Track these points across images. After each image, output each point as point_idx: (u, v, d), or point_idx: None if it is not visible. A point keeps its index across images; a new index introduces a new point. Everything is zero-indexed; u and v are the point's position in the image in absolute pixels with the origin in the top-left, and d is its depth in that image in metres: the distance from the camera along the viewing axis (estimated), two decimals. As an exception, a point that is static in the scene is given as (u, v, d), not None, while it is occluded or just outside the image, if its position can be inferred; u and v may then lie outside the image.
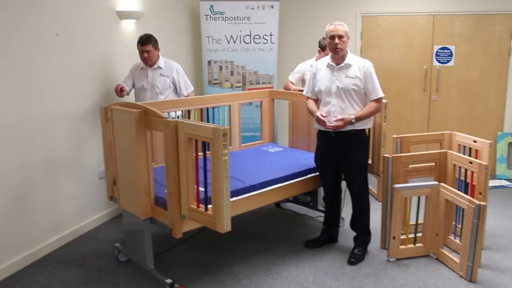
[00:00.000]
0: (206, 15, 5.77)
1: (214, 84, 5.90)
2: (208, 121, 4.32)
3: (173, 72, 4.48)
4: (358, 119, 3.54)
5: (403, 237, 3.84)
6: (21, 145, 3.62)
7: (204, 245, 4.07)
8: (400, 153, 4.08)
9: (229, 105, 4.45)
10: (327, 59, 3.69)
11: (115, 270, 3.67)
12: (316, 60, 4.62)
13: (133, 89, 4.59)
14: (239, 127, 4.58)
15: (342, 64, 3.59)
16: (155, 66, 4.44)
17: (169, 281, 3.26)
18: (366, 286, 3.40)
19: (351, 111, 3.57)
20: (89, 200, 4.39)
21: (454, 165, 3.86)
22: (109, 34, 4.53)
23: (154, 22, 5.20)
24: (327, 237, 4.08)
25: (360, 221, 3.88)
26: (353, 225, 3.96)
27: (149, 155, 3.17)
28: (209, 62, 5.87)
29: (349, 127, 3.56)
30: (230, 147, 4.42)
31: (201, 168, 3.02)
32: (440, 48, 5.90)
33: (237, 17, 5.82)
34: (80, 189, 4.27)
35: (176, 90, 4.54)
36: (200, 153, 3.04)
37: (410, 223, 3.86)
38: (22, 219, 3.69)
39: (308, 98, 3.86)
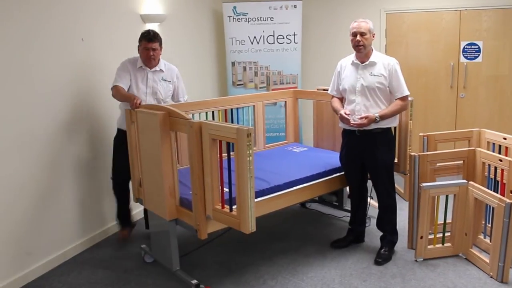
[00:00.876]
0: (229, 17, 5.78)
1: (238, 85, 5.91)
2: (232, 122, 4.32)
3: (174, 77, 4.02)
4: (383, 117, 3.49)
5: (431, 236, 3.78)
6: (48, 147, 3.69)
7: (229, 245, 4.07)
8: (427, 151, 4.02)
9: (253, 106, 4.45)
10: (352, 57, 3.66)
11: (141, 271, 3.70)
12: None
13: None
14: (263, 128, 4.58)
15: (366, 62, 3.55)
16: (157, 68, 3.92)
17: (194, 282, 3.27)
18: (393, 286, 3.35)
19: (376, 109, 3.52)
20: (114, 202, 4.43)
21: (483, 163, 3.77)
22: (133, 37, 4.55)
23: (177, 24, 5.24)
24: (353, 237, 4.04)
25: (387, 221, 3.82)
26: (379, 224, 3.90)
27: (173, 156, 3.19)
28: (233, 63, 5.88)
29: (374, 126, 3.52)
30: (254, 148, 4.46)
31: (225, 169, 3.02)
32: (467, 44, 5.78)
33: (260, 17, 5.81)
34: (105, 192, 4.32)
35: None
36: (225, 154, 3.04)
37: (438, 223, 3.79)
38: (51, 221, 3.75)
39: (333, 97, 3.83)
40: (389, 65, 3.52)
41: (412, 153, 3.81)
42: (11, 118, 3.37)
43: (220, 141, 2.94)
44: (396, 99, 3.55)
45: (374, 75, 3.52)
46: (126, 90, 3.79)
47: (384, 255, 3.75)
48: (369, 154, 3.65)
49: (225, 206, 2.98)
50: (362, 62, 3.57)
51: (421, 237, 3.68)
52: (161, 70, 3.94)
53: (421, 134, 4.07)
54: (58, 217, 3.83)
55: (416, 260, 3.71)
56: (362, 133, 3.58)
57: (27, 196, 3.54)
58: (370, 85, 3.52)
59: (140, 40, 3.84)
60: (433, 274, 3.49)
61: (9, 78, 3.34)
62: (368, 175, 3.86)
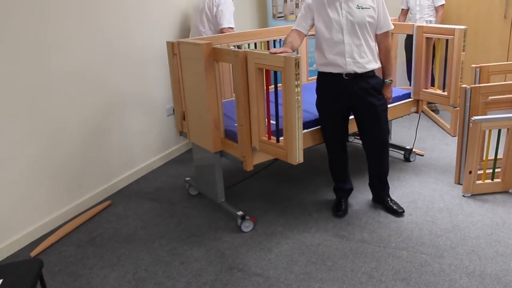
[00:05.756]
0: None
1: (278, 17, 5.71)
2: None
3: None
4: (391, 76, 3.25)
5: (480, 172, 3.67)
6: (92, 85, 3.69)
7: (272, 179, 4.08)
8: (479, 83, 3.84)
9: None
10: None
11: (186, 203, 3.76)
12: None
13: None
14: (306, 61, 4.45)
15: None
16: None
17: (240, 213, 3.30)
18: (440, 221, 3.29)
19: (366, 49, 3.06)
20: (158, 136, 4.48)
21: (540, 96, 3.58)
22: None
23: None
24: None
25: (386, 170, 3.47)
26: (381, 176, 3.48)
27: (218, 88, 3.13)
28: (273, -5, 5.66)
29: (364, 69, 3.06)
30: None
31: (271, 102, 2.96)
32: (525, -30, 5.38)
33: None
34: (149, 126, 4.35)
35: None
36: (271, 87, 2.97)
37: (488, 158, 3.67)
38: (98, 155, 3.81)
39: (293, 30, 3.16)
40: None
41: (464, 86, 3.63)
42: (63, 62, 3.38)
43: (267, 71, 2.85)
44: (378, 34, 3.10)
45: (363, 8, 2.98)
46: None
47: (396, 203, 3.46)
48: (362, 100, 3.14)
49: (272, 137, 2.93)
50: None
51: (470, 172, 3.58)
52: None
53: (473, 65, 3.87)
54: (106, 152, 3.88)
55: (463, 196, 3.63)
56: (351, 76, 3.08)
57: (77, 132, 3.60)
58: (361, 20, 2.98)
59: None
60: (481, 210, 3.41)
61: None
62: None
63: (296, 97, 2.60)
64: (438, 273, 2.73)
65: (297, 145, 2.69)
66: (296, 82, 2.57)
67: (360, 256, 2.93)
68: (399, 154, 4.37)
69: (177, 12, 4.60)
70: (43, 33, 3.24)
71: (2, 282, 2.10)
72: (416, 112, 4.03)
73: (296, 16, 5.57)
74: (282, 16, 5.71)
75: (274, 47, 4.14)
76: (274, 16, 5.71)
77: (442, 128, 5.12)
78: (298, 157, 2.73)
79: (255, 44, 4.05)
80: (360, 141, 4.25)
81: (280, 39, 4.18)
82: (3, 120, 3.03)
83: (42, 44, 3.24)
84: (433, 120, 5.40)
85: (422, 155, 4.40)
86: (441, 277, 2.69)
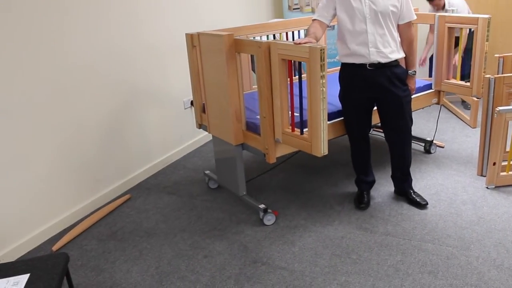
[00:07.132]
0: None
1: (294, 9, 5.66)
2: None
3: None
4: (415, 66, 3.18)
5: (504, 163, 3.60)
6: (109, 79, 3.67)
7: (292, 172, 4.04)
8: (503, 73, 3.77)
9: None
10: None
11: (206, 196, 3.74)
12: None
13: None
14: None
15: None
16: None
17: (262, 206, 3.26)
18: (465, 213, 3.24)
19: (390, 38, 2.98)
20: (175, 130, 4.45)
21: None
22: None
23: None
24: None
25: (409, 163, 3.39)
26: (402, 168, 3.41)
27: (239, 79, 3.08)
28: (288, -13, 5.61)
29: (388, 59, 3.00)
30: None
31: (295, 96, 2.92)
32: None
33: None
34: (166, 120, 4.33)
35: None
36: (294, 78, 2.92)
37: (513, 149, 3.61)
38: (116, 149, 3.80)
39: (314, 20, 3.08)
40: None
41: (487, 76, 3.57)
42: (80, 58, 3.37)
43: (290, 62, 2.81)
44: (400, 25, 3.02)
45: None
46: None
47: (419, 195, 3.42)
48: (387, 90, 3.07)
49: (296, 129, 2.89)
50: None
51: (494, 164, 3.52)
52: None
53: (496, 55, 3.80)
54: (124, 146, 3.87)
55: (487, 187, 3.57)
56: (374, 66, 3.01)
57: (95, 127, 3.58)
58: (384, 10, 2.90)
59: None
60: (506, 202, 3.36)
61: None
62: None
63: (321, 89, 2.55)
64: (466, 265, 2.68)
65: (322, 137, 2.65)
66: (321, 73, 2.52)
67: (385, 249, 2.89)
68: (420, 146, 4.32)
69: (194, 5, 4.56)
70: (60, 28, 3.22)
71: (29, 276, 2.09)
72: (438, 103, 3.98)
73: (312, 8, 5.56)
74: (298, 8, 5.66)
75: (293, 39, 4.10)
76: (289, 7, 5.66)
77: (462, 120, 5.05)
78: (323, 149, 2.69)
79: (274, 35, 4.00)
80: (380, 133, 4.22)
81: (299, 31, 4.14)
82: (24, 116, 3.02)
83: (59, 40, 3.22)
84: (451, 112, 5.33)
85: (443, 147, 4.34)
86: (469, 269, 2.65)
